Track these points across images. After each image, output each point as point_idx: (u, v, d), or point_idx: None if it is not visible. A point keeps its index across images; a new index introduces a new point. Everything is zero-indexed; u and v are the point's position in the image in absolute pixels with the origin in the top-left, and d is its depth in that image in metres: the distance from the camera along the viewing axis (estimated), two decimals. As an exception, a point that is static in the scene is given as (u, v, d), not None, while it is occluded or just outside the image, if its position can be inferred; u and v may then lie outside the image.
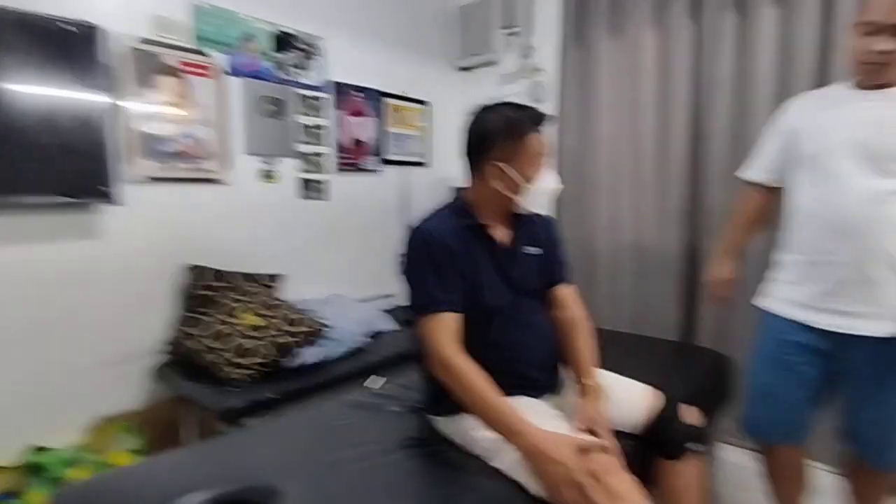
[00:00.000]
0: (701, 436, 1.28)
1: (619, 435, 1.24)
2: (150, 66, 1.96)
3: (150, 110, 1.97)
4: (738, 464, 2.14)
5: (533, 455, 1.00)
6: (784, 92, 2.06)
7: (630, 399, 1.27)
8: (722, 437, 1.99)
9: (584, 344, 1.30)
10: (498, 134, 1.18)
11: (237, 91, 2.24)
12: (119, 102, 1.88)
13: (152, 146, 1.99)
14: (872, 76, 1.24)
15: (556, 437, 1.01)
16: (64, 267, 1.82)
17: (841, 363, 1.34)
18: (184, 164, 2.08)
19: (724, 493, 1.86)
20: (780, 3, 2.04)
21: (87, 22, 1.72)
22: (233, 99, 2.22)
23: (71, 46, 1.69)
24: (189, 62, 2.06)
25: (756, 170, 1.53)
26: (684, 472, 1.25)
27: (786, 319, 1.39)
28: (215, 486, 1.04)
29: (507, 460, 1.07)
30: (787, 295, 1.40)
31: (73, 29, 1.69)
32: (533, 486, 1.01)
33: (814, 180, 1.33)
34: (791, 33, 2.02)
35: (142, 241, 1.99)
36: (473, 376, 1.08)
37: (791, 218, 1.41)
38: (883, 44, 1.19)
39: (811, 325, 1.34)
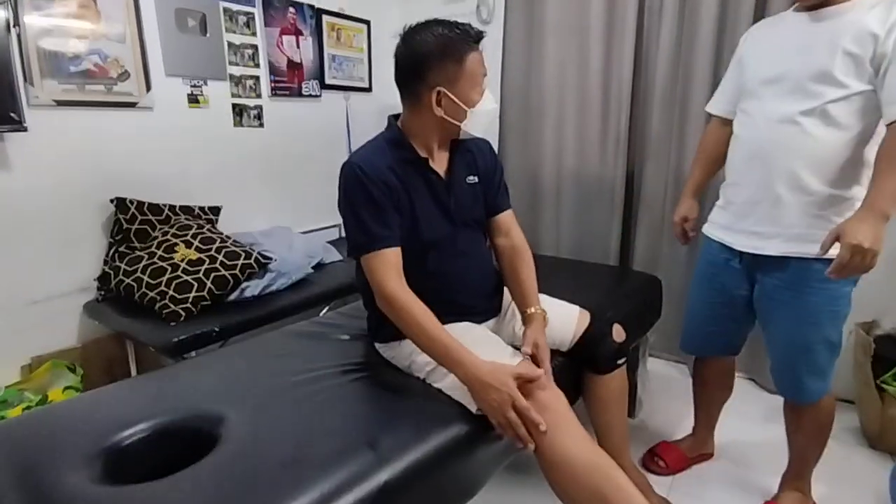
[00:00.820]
0: (626, 352, 1.39)
1: (552, 353, 1.33)
2: (44, -31, 1.71)
3: (51, 24, 1.75)
4: (661, 373, 2.36)
5: (474, 383, 1.04)
6: (725, 20, 2.07)
7: (562, 320, 1.33)
8: (649, 351, 2.16)
9: (527, 272, 1.32)
10: (434, 56, 1.11)
11: (150, 2, 2.00)
12: (18, 17, 1.66)
13: (56, 65, 1.78)
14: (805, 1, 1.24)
15: (496, 366, 1.05)
16: (-32, 202, 1.66)
17: (755, 283, 1.39)
18: (94, 85, 1.88)
19: (648, 400, 2.05)
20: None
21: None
22: (146, 11, 1.99)
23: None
24: (90, -34, 1.81)
25: (714, 103, 1.52)
26: (610, 384, 1.36)
27: (713, 241, 1.46)
28: (157, 417, 1.04)
29: (448, 381, 1.11)
30: (715, 218, 1.47)
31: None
32: (473, 406, 1.07)
33: (744, 107, 1.37)
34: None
35: (56, 172, 1.83)
36: (417, 311, 1.09)
37: (730, 146, 1.44)
38: None
39: (728, 245, 1.40)
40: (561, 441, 1.01)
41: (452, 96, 1.13)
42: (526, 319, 1.26)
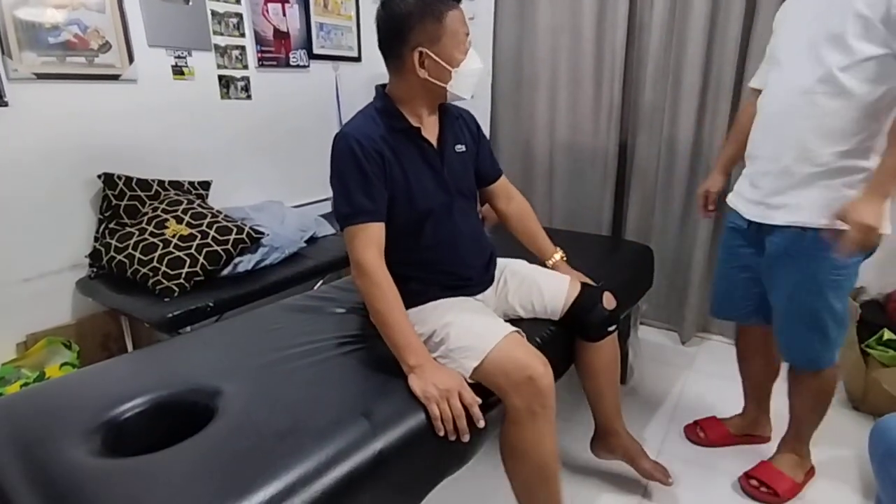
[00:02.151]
0: (617, 319, 1.41)
1: (543, 322, 1.35)
2: (15, -66, 1.64)
3: (24, -8, 1.68)
4: (653, 341, 2.40)
5: (426, 366, 1.05)
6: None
7: (553, 289, 1.35)
8: (640, 319, 2.19)
9: (538, 227, 1.49)
10: (414, 16, 1.09)
11: (130, -31, 1.93)
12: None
13: (34, 36, 1.72)
14: None
15: (446, 370, 1.07)
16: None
17: (764, 252, 1.38)
18: (74, 57, 1.83)
19: (639, 366, 2.09)
20: None
21: None
22: (125, -21, 1.92)
23: None
24: (64, -70, 1.74)
25: (755, 78, 1.49)
26: (603, 352, 1.38)
27: (733, 209, 1.48)
28: (154, 391, 1.05)
29: (441, 351, 1.14)
30: (736, 187, 1.48)
31: None
32: (466, 374, 1.08)
33: (769, 79, 1.35)
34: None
35: (40, 147, 1.80)
36: (386, 287, 1.10)
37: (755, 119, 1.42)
38: None
39: (742, 214, 1.42)
40: (530, 434, 1.09)
41: (435, 56, 1.12)
42: (555, 266, 1.46)
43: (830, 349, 1.35)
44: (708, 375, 2.12)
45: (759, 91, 1.42)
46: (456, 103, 1.27)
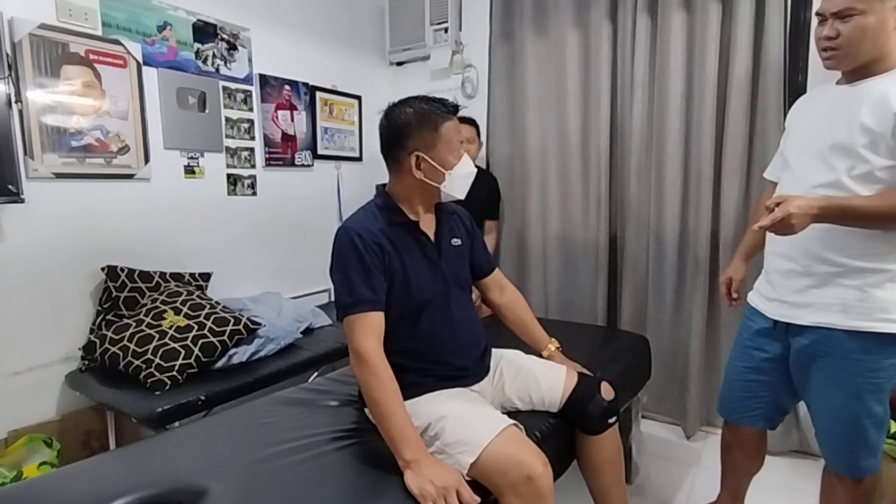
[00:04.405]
0: (618, 410, 1.38)
1: (542, 414, 1.32)
2: (55, 54, 1.82)
3: (54, 101, 1.83)
4: (656, 436, 2.31)
5: (422, 461, 1.02)
6: (692, 91, 2.23)
7: (550, 380, 1.34)
8: (642, 412, 2.13)
9: (531, 318, 1.52)
10: (412, 125, 1.20)
11: (154, 82, 2.12)
12: (20, 93, 1.74)
13: (58, 140, 1.85)
14: (829, 63, 1.23)
15: (443, 465, 1.04)
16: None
17: (790, 351, 1.33)
18: (94, 158, 1.95)
19: (644, 464, 2.00)
20: (688, 7, 2.20)
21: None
22: (149, 90, 2.10)
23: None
24: (98, 50, 1.93)
25: (769, 169, 1.53)
26: (605, 446, 1.34)
27: (750, 306, 1.46)
28: (135, 491, 1.01)
29: (436, 446, 1.10)
30: (757, 285, 1.47)
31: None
32: (463, 471, 1.05)
33: (783, 177, 1.39)
34: (697, 35, 2.18)
35: (49, 242, 1.85)
36: (385, 377, 1.10)
37: None
38: (827, 30, 1.18)
39: (761, 311, 1.39)
40: None
41: (430, 160, 1.21)
42: (550, 357, 1.46)
43: (873, 455, 1.27)
44: (717, 473, 2.01)
45: (775, 183, 1.45)
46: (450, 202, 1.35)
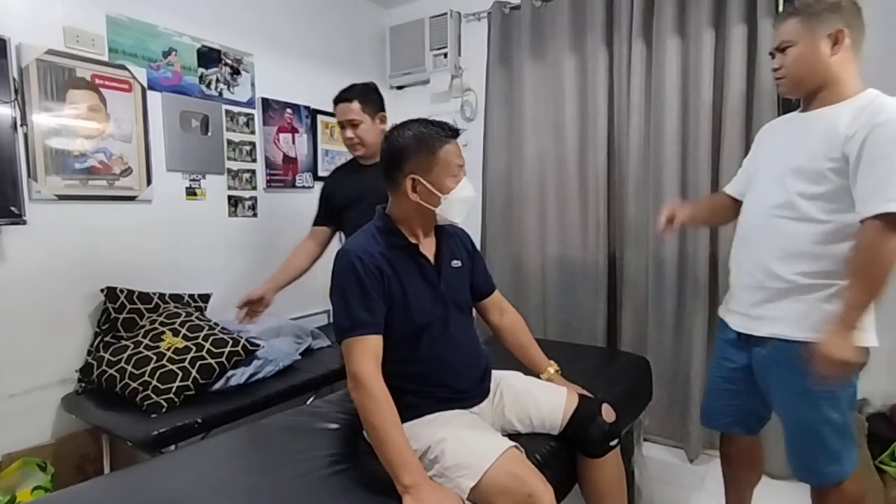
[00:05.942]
0: (619, 432, 1.36)
1: (543, 437, 1.31)
2: (61, 78, 1.86)
3: (59, 124, 1.86)
4: (659, 459, 2.28)
5: (422, 485, 1.02)
6: (687, 114, 2.26)
7: (551, 403, 1.33)
8: (644, 435, 2.10)
9: (530, 340, 1.51)
10: (410, 149, 1.22)
11: (157, 106, 2.15)
12: (26, 116, 1.76)
13: (61, 162, 1.87)
14: (781, 90, 1.38)
15: (443, 490, 1.04)
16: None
17: (751, 362, 1.40)
18: (97, 180, 1.97)
19: (647, 488, 1.97)
20: (682, 33, 2.25)
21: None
22: (153, 114, 2.14)
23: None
24: (104, 75, 1.97)
25: (730, 184, 1.61)
26: (606, 469, 1.32)
27: (720, 318, 1.53)
28: (130, 517, 0.99)
29: (436, 469, 1.09)
30: (725, 298, 1.54)
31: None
32: (464, 495, 1.03)
33: (747, 196, 1.47)
34: (692, 60, 2.22)
35: (49, 263, 1.86)
36: (383, 402, 1.09)
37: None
38: (775, 62, 1.33)
39: (729, 324, 1.46)
40: None
41: (426, 183, 1.22)
42: (550, 380, 1.44)
43: (836, 462, 1.29)
44: (721, 496, 1.98)
45: (731, 195, 1.55)
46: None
